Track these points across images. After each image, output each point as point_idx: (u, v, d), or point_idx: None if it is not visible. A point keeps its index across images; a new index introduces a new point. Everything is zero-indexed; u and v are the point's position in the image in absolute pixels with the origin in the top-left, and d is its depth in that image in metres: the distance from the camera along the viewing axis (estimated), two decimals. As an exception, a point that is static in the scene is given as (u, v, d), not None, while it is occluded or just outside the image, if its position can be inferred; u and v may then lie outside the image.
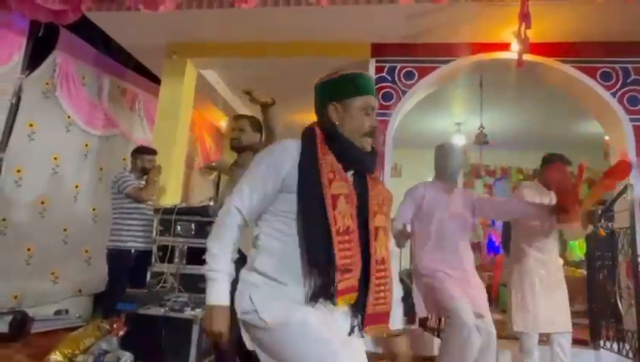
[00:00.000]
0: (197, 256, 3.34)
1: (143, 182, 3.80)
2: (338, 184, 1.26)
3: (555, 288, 2.85)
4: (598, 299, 3.77)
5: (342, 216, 1.23)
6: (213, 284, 1.29)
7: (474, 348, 2.30)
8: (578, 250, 6.20)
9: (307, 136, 1.34)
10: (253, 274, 1.30)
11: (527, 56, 3.96)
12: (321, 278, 1.20)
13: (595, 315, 3.77)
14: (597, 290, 3.79)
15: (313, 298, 1.21)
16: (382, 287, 1.29)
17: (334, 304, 1.21)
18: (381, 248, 1.31)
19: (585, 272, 4.47)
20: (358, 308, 1.27)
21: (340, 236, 1.21)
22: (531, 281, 2.83)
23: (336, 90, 1.38)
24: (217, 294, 1.28)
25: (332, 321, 1.24)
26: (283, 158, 1.30)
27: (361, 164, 1.36)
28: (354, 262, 1.23)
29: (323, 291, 1.20)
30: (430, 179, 2.95)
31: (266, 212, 1.33)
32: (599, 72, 4.25)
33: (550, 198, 2.86)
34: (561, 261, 3.05)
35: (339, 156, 1.31)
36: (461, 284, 2.51)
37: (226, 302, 1.28)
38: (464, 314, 2.32)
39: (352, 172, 1.35)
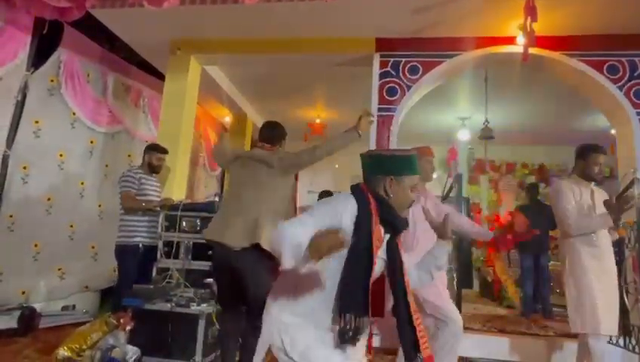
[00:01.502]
0: (202, 251, 3.37)
1: (152, 178, 3.85)
2: (381, 250, 1.52)
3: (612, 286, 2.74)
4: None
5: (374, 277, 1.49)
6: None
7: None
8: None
9: (362, 201, 1.51)
10: (286, 314, 1.48)
11: (532, 50, 3.92)
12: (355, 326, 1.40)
13: (601, 310, 3.75)
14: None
15: (343, 341, 1.41)
16: (422, 333, 1.52)
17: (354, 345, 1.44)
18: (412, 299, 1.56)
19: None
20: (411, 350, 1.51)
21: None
22: (586, 278, 2.70)
23: (395, 167, 1.58)
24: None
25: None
26: (345, 209, 1.47)
27: (399, 232, 1.59)
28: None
29: (353, 337, 1.40)
30: (435, 175, 2.96)
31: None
32: (606, 65, 4.21)
33: (590, 190, 2.82)
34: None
35: (384, 223, 1.53)
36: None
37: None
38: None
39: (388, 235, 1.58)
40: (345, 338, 1.39)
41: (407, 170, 1.58)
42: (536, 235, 2.89)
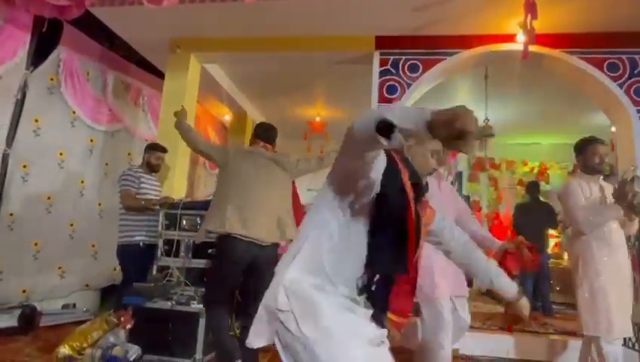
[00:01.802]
0: (203, 250, 3.37)
1: (152, 178, 3.86)
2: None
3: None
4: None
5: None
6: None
7: None
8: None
9: (390, 156, 1.28)
10: (296, 270, 1.23)
11: (532, 48, 3.92)
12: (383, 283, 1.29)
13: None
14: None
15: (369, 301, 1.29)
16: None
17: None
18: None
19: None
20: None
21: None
22: (599, 279, 2.59)
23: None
24: None
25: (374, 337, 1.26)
26: (377, 156, 1.21)
27: (421, 199, 1.39)
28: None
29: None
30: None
31: (335, 208, 1.26)
32: (606, 63, 4.21)
33: (599, 185, 2.76)
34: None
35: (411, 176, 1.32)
36: None
37: None
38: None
39: None
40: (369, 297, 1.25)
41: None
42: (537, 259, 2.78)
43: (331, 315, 1.18)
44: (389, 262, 1.26)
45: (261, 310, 1.26)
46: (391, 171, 1.24)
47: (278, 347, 1.22)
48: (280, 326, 1.20)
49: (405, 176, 1.28)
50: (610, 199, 2.71)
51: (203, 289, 3.22)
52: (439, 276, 2.49)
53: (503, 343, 3.81)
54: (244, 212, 2.70)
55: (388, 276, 1.34)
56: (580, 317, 2.67)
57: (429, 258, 2.35)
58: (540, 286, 5.33)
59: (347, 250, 1.25)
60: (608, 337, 2.53)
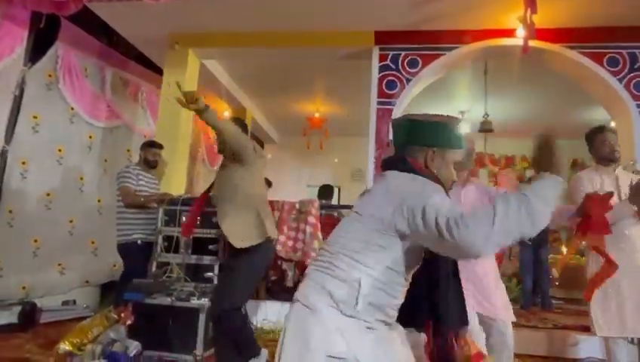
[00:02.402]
0: (202, 245, 3.37)
1: (149, 175, 3.85)
2: None
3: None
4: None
5: None
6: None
7: None
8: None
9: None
10: (350, 318, 1.18)
11: (532, 43, 3.91)
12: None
13: (601, 302, 3.76)
14: (602, 278, 3.78)
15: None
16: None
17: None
18: None
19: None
20: None
21: None
22: (616, 279, 2.42)
23: (440, 136, 1.32)
24: None
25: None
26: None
27: None
28: None
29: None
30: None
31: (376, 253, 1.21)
32: (606, 57, 4.20)
33: (615, 176, 2.62)
34: None
35: None
36: None
37: None
38: None
39: None
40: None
41: (454, 143, 1.32)
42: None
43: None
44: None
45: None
46: None
47: None
48: None
49: None
50: (625, 189, 2.56)
51: (203, 285, 3.22)
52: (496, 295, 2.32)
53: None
54: (268, 213, 2.81)
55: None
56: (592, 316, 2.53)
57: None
58: (539, 281, 5.34)
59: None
60: (620, 337, 2.43)
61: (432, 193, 1.17)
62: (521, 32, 3.87)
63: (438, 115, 1.35)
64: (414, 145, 1.32)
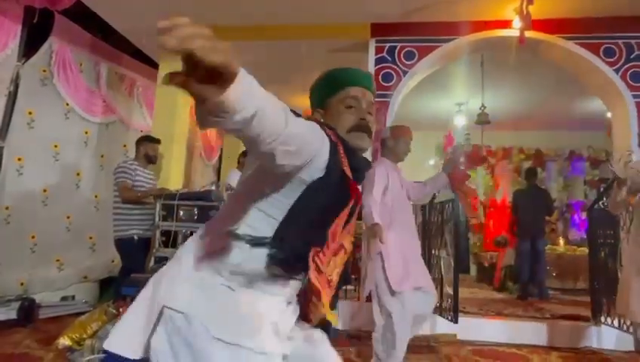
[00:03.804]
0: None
1: (147, 171, 3.85)
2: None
3: None
4: (600, 277, 3.79)
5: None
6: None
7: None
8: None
9: (333, 143, 1.05)
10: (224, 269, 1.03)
11: (529, 34, 3.91)
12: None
13: (597, 292, 3.80)
14: (598, 268, 3.82)
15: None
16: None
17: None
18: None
19: (587, 251, 4.49)
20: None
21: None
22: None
23: (316, 95, 1.23)
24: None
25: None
26: (322, 147, 1.01)
27: (363, 176, 1.17)
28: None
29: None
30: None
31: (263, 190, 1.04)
32: (602, 48, 4.20)
33: None
34: None
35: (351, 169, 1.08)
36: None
37: None
38: None
39: None
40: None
41: (327, 91, 1.20)
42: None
43: None
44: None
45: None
46: (333, 159, 1.02)
47: None
48: None
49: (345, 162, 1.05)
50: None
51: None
52: (404, 267, 2.52)
53: (500, 328, 3.85)
54: None
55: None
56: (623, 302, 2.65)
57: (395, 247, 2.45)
58: (536, 271, 5.37)
59: None
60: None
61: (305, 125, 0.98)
62: (517, 23, 3.86)
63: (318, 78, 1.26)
64: (314, 110, 1.23)
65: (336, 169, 1.03)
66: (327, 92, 1.21)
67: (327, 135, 1.04)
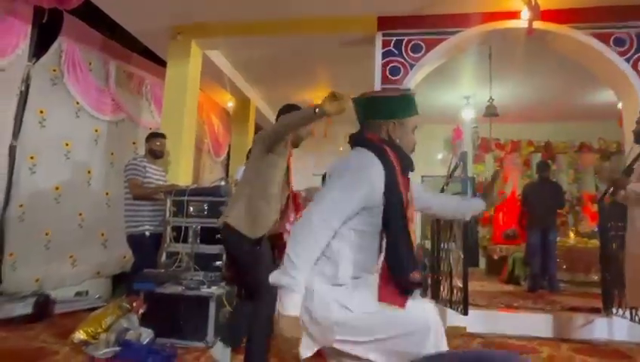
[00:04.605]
0: (210, 235, 3.41)
1: (156, 167, 3.90)
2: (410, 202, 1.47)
3: None
4: (611, 269, 3.77)
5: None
6: (291, 296, 1.27)
7: None
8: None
9: (383, 156, 1.40)
10: (333, 286, 1.36)
11: (537, 24, 3.87)
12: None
13: (608, 284, 3.78)
14: (609, 260, 3.79)
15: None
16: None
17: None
18: None
19: (598, 243, 4.46)
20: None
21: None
22: None
23: (396, 108, 1.49)
24: (295, 306, 1.28)
25: None
26: (377, 174, 1.37)
27: (412, 168, 1.51)
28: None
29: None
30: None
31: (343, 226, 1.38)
32: (612, 37, 4.14)
33: None
34: None
35: (403, 170, 1.44)
36: None
37: (298, 312, 1.30)
38: None
39: None
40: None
41: (409, 111, 1.50)
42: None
43: None
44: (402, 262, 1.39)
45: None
46: (389, 174, 1.39)
47: None
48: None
49: (398, 171, 1.42)
50: None
51: (212, 274, 3.27)
52: None
53: (510, 320, 3.84)
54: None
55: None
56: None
57: None
58: (547, 264, 5.35)
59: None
60: None
61: (344, 175, 1.38)
62: (525, 14, 3.82)
63: (393, 89, 1.54)
64: (374, 120, 1.49)
65: (395, 190, 1.38)
66: (405, 112, 1.50)
67: (384, 155, 1.40)
